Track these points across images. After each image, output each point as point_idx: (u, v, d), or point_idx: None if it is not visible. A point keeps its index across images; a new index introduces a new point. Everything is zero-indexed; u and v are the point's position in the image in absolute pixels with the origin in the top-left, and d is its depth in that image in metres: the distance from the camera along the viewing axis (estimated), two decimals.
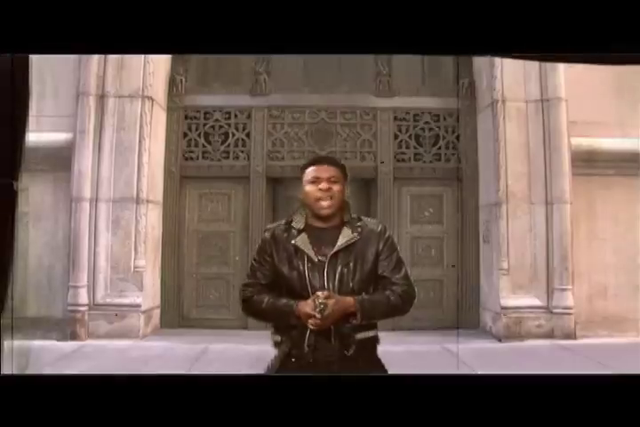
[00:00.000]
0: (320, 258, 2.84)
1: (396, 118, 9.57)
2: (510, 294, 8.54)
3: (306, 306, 2.78)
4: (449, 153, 9.58)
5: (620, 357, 7.01)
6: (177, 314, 9.29)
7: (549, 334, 8.43)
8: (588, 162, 8.51)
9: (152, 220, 8.92)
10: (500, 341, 8.36)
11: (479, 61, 9.19)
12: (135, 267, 8.56)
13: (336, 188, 2.91)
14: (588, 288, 8.60)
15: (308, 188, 2.92)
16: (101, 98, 8.63)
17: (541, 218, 8.65)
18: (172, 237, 9.36)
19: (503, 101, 8.75)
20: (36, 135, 7.04)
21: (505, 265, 8.58)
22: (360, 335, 2.84)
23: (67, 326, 8.13)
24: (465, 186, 9.50)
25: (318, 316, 2.74)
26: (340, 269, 2.84)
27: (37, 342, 7.08)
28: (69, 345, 7.80)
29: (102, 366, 6.79)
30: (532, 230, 8.66)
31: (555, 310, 8.48)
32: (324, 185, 2.89)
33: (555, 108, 8.64)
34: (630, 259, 8.48)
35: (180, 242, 9.40)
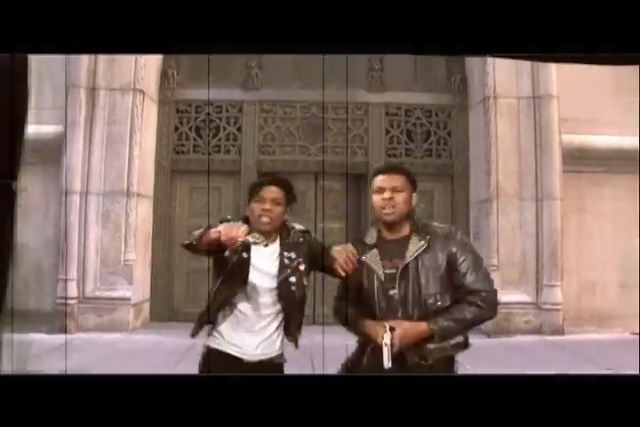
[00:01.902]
0: (390, 271, 2.89)
1: (387, 114, 9.59)
2: (499, 290, 8.49)
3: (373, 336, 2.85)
4: (440, 149, 9.59)
5: (606, 352, 7.07)
6: (167, 308, 9.28)
7: (538, 330, 8.48)
8: (578, 159, 8.55)
9: (142, 213, 8.91)
10: (488, 336, 8.39)
11: (471, 58, 9.20)
12: (125, 260, 8.54)
13: (399, 197, 2.95)
14: (576, 285, 8.65)
15: (374, 197, 3.00)
16: (92, 90, 8.60)
17: (531, 214, 8.68)
18: (163, 231, 9.34)
19: (495, 98, 8.77)
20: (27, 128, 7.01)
21: (494, 261, 8.61)
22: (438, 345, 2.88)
23: (56, 319, 8.12)
24: (456, 182, 9.53)
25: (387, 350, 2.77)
26: (411, 279, 2.87)
27: (26, 336, 7.05)
28: (58, 338, 7.77)
29: (91, 359, 6.77)
30: (522, 227, 8.69)
31: (543, 306, 8.53)
32: (386, 194, 2.94)
33: (546, 105, 8.67)
34: (619, 256, 8.54)
35: (171, 236, 9.39)
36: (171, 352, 7.16)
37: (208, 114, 9.47)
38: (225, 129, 9.50)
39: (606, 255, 8.56)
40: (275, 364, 3.06)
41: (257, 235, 2.93)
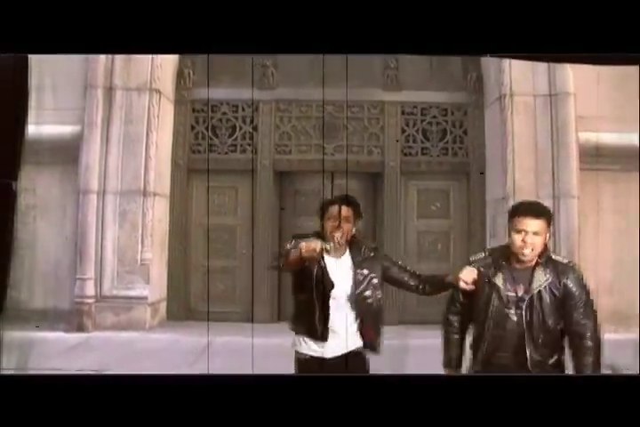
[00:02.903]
0: (511, 294, 3.31)
1: (403, 112, 9.55)
2: None
3: None
4: (456, 147, 9.55)
5: (625, 353, 6.99)
6: (183, 307, 9.31)
7: None
8: (595, 157, 8.47)
9: (159, 212, 8.95)
10: None
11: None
12: (142, 259, 8.59)
13: (538, 240, 3.28)
14: (594, 283, 8.47)
15: (515, 236, 3.29)
16: (109, 90, 8.65)
17: None
18: (179, 230, 9.38)
19: (511, 96, 8.71)
20: (44, 128, 7.07)
21: None
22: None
23: (73, 318, 8.19)
24: (472, 180, 9.48)
25: None
26: (536, 308, 3.27)
27: (44, 334, 7.12)
28: (76, 337, 7.84)
29: (107, 358, 6.83)
30: None
31: None
32: (528, 238, 3.26)
33: (563, 103, 8.60)
34: (637, 254, 8.44)
35: (187, 235, 9.42)
36: (187, 351, 7.20)
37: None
38: (241, 128, 9.52)
39: (624, 254, 8.46)
40: (355, 353, 3.55)
41: (330, 244, 3.42)
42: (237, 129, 9.51)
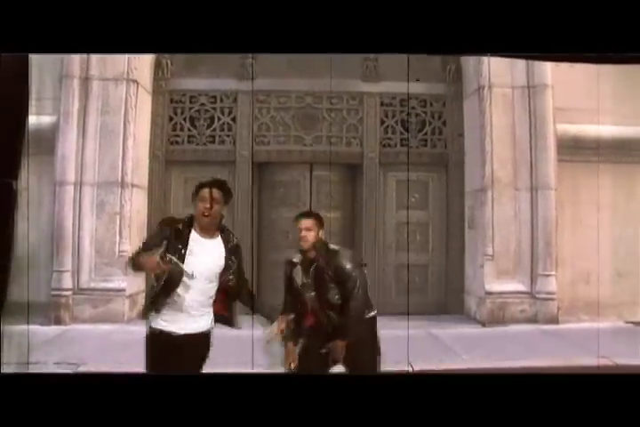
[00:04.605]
0: (306, 281, 4.35)
1: (382, 104, 9.56)
2: (494, 280, 8.60)
3: None
4: (435, 139, 9.58)
5: (601, 341, 7.08)
6: None
7: (532, 319, 8.50)
8: (573, 149, 8.54)
9: (137, 204, 8.88)
10: (483, 325, 8.42)
11: None
12: (120, 251, 8.52)
13: (311, 234, 4.32)
14: (571, 274, 8.67)
15: (299, 234, 4.31)
16: (85, 80, 8.55)
17: (526, 204, 8.69)
18: (157, 222, 9.29)
19: (490, 87, 8.75)
20: None
21: (490, 251, 8.63)
22: None
23: (51, 311, 8.11)
24: (451, 171, 9.53)
25: None
26: (317, 285, 4.31)
27: (21, 327, 7.05)
28: (53, 329, 7.78)
29: (85, 350, 6.79)
30: (517, 216, 8.70)
31: (538, 296, 8.56)
32: (303, 233, 4.31)
33: (541, 95, 8.66)
34: (613, 245, 8.55)
35: None
36: None
37: (202, 106, 9.43)
38: (219, 119, 9.46)
39: (601, 244, 8.54)
40: (204, 334, 3.92)
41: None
42: (216, 120, 9.45)
